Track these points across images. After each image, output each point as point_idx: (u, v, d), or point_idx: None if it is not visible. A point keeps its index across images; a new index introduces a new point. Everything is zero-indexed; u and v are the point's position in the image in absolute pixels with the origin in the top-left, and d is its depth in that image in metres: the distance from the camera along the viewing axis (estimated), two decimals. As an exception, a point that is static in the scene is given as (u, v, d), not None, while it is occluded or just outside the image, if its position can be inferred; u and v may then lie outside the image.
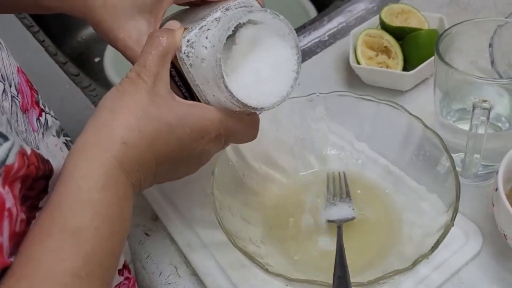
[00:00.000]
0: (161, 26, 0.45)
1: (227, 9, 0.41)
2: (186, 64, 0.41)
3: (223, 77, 0.38)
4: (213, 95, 0.41)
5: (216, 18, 0.40)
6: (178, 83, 0.43)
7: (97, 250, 0.33)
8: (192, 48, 0.40)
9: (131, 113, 0.37)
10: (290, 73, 0.42)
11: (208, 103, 0.42)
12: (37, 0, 0.46)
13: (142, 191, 0.40)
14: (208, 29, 0.40)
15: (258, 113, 0.43)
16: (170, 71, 0.41)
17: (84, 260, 0.32)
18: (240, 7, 0.42)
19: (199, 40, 0.40)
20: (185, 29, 0.41)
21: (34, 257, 0.31)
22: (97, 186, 0.34)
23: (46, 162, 0.35)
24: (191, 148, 0.40)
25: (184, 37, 0.40)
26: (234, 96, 0.39)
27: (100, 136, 0.37)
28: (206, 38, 0.39)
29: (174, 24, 0.42)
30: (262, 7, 0.44)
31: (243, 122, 0.43)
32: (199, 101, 0.42)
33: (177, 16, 0.47)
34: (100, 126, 0.37)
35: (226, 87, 0.39)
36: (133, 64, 0.43)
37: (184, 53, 0.40)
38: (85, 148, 0.36)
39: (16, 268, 0.31)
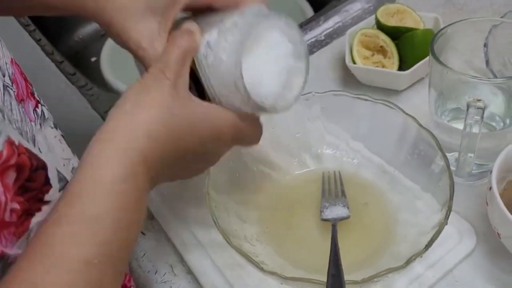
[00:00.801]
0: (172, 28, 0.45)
1: (243, 14, 0.42)
2: (203, 65, 0.41)
3: (242, 78, 0.39)
4: (227, 97, 0.42)
5: (234, 22, 0.41)
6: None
7: (113, 239, 0.33)
8: (211, 50, 0.41)
9: (156, 108, 0.38)
10: (299, 78, 0.44)
11: (220, 104, 0.42)
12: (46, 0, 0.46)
13: (157, 185, 0.40)
14: (227, 32, 0.41)
15: (269, 114, 0.44)
16: None
17: (99, 248, 0.32)
18: (256, 13, 0.43)
19: (218, 43, 0.41)
20: (203, 31, 0.42)
21: (49, 241, 0.32)
22: (119, 177, 0.35)
23: (34, 155, 0.35)
24: (207, 147, 0.41)
25: (203, 39, 0.41)
26: (251, 98, 0.40)
27: (124, 128, 0.37)
28: (226, 41, 0.40)
29: (193, 26, 0.43)
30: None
31: (252, 126, 0.44)
32: (209, 102, 0.43)
33: (187, 18, 0.47)
34: (124, 118, 0.37)
35: (245, 88, 0.40)
36: (144, 65, 0.43)
37: (203, 54, 0.41)
38: (108, 138, 0.36)
39: (30, 251, 0.31)
